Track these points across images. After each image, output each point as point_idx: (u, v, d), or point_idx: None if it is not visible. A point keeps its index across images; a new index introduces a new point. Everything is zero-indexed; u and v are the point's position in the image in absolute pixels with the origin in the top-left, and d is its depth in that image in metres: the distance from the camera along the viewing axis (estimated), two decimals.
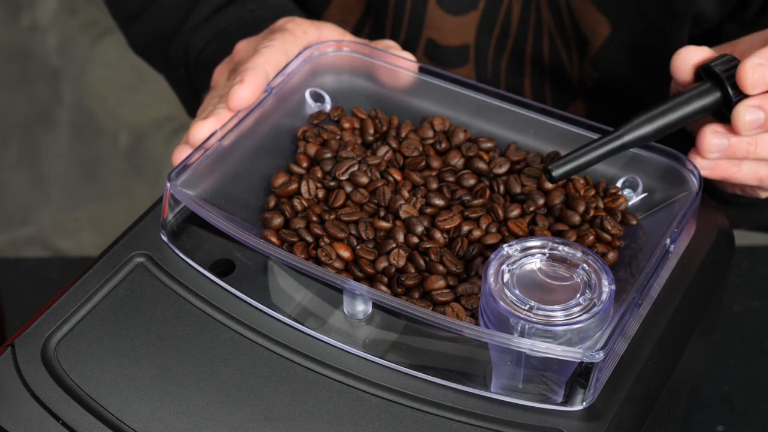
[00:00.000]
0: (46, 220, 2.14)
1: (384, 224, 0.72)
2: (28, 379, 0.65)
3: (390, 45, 0.83)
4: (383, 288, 0.69)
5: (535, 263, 0.67)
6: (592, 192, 0.75)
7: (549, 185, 0.75)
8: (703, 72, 0.76)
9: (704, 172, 0.75)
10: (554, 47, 0.95)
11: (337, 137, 0.78)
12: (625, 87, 0.96)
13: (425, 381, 0.65)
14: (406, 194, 0.74)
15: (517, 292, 0.65)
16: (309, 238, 0.71)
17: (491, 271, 0.66)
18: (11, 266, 1.23)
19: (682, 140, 0.80)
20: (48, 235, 2.12)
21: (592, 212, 0.74)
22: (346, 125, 0.79)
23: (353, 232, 0.72)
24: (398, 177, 0.75)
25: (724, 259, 0.76)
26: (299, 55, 0.81)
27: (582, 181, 0.75)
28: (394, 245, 0.71)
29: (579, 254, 0.67)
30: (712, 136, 0.75)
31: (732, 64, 0.75)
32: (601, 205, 0.74)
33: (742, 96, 0.74)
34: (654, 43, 0.93)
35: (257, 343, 0.67)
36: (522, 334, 0.64)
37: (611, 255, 0.71)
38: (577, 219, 0.73)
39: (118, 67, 2.36)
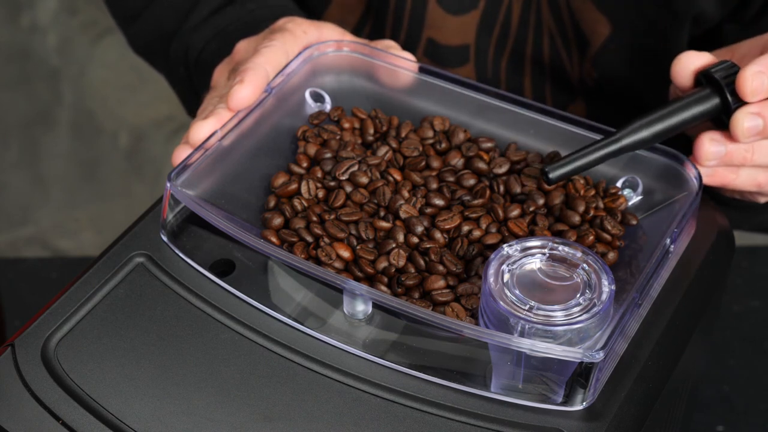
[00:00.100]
0: (46, 220, 2.14)
1: (384, 224, 0.72)
2: (28, 379, 0.65)
3: (390, 45, 0.83)
4: (383, 288, 0.69)
5: (535, 263, 0.67)
6: (592, 192, 0.75)
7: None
8: (703, 78, 0.76)
9: (702, 180, 0.75)
10: (554, 47, 0.95)
11: (337, 137, 0.78)
12: (625, 87, 0.96)
13: (425, 381, 0.65)
14: (406, 194, 0.74)
15: (517, 292, 0.65)
16: (309, 238, 0.71)
17: (491, 271, 0.66)
18: (11, 266, 1.23)
19: (682, 141, 0.80)
20: (48, 235, 2.12)
21: (592, 212, 0.74)
22: (346, 125, 0.79)
23: (353, 232, 0.72)
24: (398, 177, 0.75)
25: (724, 259, 0.76)
26: (299, 55, 0.81)
27: (582, 181, 0.75)
28: (394, 245, 0.71)
29: (579, 254, 0.67)
30: (709, 144, 0.75)
31: (732, 71, 0.75)
32: (601, 205, 0.74)
33: (742, 103, 0.74)
34: (654, 43, 0.93)
35: (257, 343, 0.67)
36: (522, 334, 0.64)
37: (611, 255, 0.71)
38: (577, 219, 0.73)
39: (118, 67, 2.36)
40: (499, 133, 0.79)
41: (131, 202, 2.17)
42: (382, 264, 0.70)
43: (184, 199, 0.71)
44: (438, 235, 0.72)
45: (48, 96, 2.33)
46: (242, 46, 0.85)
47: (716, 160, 0.75)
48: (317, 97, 0.81)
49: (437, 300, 0.68)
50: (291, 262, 0.68)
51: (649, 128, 0.74)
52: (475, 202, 0.74)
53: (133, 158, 2.25)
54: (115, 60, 2.37)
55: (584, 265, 0.67)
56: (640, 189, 0.75)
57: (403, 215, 0.73)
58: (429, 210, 0.74)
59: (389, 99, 0.82)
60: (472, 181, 0.76)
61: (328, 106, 0.81)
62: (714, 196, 0.82)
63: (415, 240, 0.71)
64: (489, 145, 0.78)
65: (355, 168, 0.75)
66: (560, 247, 0.68)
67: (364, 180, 0.74)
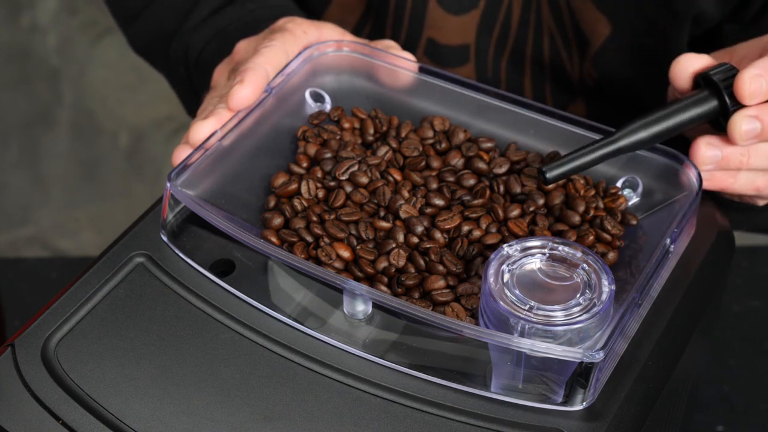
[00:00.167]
0: (46, 220, 2.14)
1: (384, 224, 0.72)
2: (28, 379, 0.65)
3: (390, 45, 0.83)
4: (383, 288, 0.69)
5: (535, 263, 0.67)
6: (592, 192, 0.75)
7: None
8: (702, 80, 0.76)
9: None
10: (554, 47, 0.95)
11: (337, 137, 0.78)
12: (625, 87, 0.96)
13: (425, 381, 0.65)
14: (406, 194, 0.74)
15: (517, 292, 0.65)
16: (309, 238, 0.71)
17: (491, 271, 0.66)
18: (11, 266, 1.23)
19: (682, 141, 0.80)
20: (48, 235, 2.12)
21: (592, 212, 0.74)
22: (346, 125, 0.79)
23: (353, 232, 0.72)
24: (398, 177, 0.75)
25: (724, 259, 0.76)
26: (299, 55, 0.81)
27: (582, 181, 0.75)
28: (394, 245, 0.71)
29: (579, 254, 0.67)
30: (705, 148, 0.75)
31: (731, 74, 0.75)
32: (601, 205, 0.74)
33: (740, 106, 0.74)
34: (654, 43, 0.93)
35: (257, 343, 0.67)
36: (522, 334, 0.64)
37: (611, 255, 0.71)
38: (577, 219, 0.73)
39: (118, 67, 2.36)
40: (499, 133, 0.79)
41: (131, 202, 2.17)
42: (382, 264, 0.70)
43: (184, 199, 0.71)
44: (438, 235, 0.72)
45: (48, 96, 2.33)
46: (242, 46, 0.85)
47: (713, 164, 0.76)
48: (317, 97, 0.81)
49: (437, 300, 0.68)
50: (291, 262, 0.68)
51: (648, 129, 0.74)
52: (475, 202, 0.74)
53: (133, 158, 2.25)
54: (115, 60, 2.37)
55: (584, 265, 0.67)
56: (640, 189, 0.75)
57: (403, 215, 0.73)
58: (429, 210, 0.74)
59: (389, 99, 0.82)
60: (472, 181, 0.76)
61: (328, 106, 0.81)
62: (713, 198, 0.82)
63: (415, 240, 0.71)
64: (489, 145, 0.78)
65: (355, 168, 0.75)
66: (560, 247, 0.68)
67: (364, 180, 0.74)
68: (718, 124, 0.76)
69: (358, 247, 0.71)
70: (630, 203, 0.75)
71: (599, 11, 0.91)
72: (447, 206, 0.74)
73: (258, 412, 0.64)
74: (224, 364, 0.66)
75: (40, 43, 2.41)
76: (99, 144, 2.26)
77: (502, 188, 0.75)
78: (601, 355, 0.64)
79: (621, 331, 0.66)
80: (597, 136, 0.76)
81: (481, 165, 0.76)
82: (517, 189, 0.75)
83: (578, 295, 0.66)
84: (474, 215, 0.73)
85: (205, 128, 0.75)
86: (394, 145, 0.78)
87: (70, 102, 2.32)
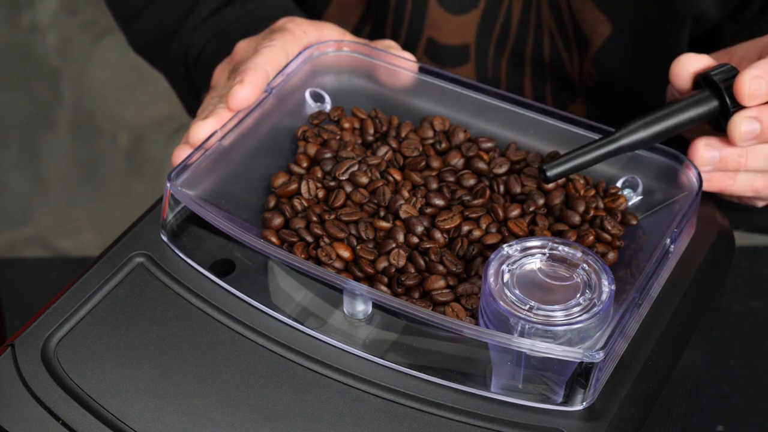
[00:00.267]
0: (46, 220, 2.14)
1: (384, 224, 0.72)
2: (28, 379, 0.65)
3: (390, 45, 0.83)
4: (383, 288, 0.69)
5: (535, 263, 0.67)
6: (592, 192, 0.75)
7: (549, 185, 0.75)
8: (702, 80, 0.76)
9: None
10: (555, 47, 0.95)
11: (337, 137, 0.78)
12: (625, 87, 0.96)
13: (425, 381, 0.65)
14: (406, 194, 0.74)
15: (517, 292, 0.65)
16: (309, 238, 0.71)
17: (491, 271, 0.66)
18: (11, 266, 1.23)
19: (681, 141, 0.80)
20: (48, 235, 2.12)
21: (592, 212, 0.74)
22: (346, 125, 0.79)
23: (353, 232, 0.72)
24: (398, 177, 0.75)
25: (724, 259, 0.76)
26: (299, 55, 0.81)
27: (582, 181, 0.75)
28: (394, 245, 0.71)
29: (579, 254, 0.67)
30: (703, 150, 0.75)
31: (731, 74, 0.75)
32: (601, 205, 0.74)
33: (740, 106, 0.74)
34: (654, 43, 0.93)
35: (257, 343, 0.67)
36: (522, 334, 0.64)
37: (611, 255, 0.71)
38: (577, 219, 0.73)
39: (118, 67, 2.36)
40: (499, 133, 0.79)
41: (131, 202, 2.17)
42: (382, 264, 0.70)
43: (184, 199, 0.71)
44: (438, 235, 0.72)
45: (48, 96, 2.33)
46: (242, 46, 0.85)
47: (711, 166, 0.76)
48: (317, 97, 0.81)
49: (437, 300, 0.68)
50: (291, 262, 0.68)
51: (647, 129, 0.74)
52: (475, 202, 0.74)
53: (133, 158, 2.25)
54: (115, 60, 2.37)
55: (584, 265, 0.67)
56: (640, 189, 0.75)
57: (403, 215, 0.73)
58: (429, 210, 0.74)
59: (389, 99, 0.82)
60: (472, 181, 0.76)
61: (328, 106, 0.81)
62: (713, 198, 0.82)
63: (415, 240, 0.71)
64: (489, 145, 0.78)
65: (355, 168, 0.75)
66: (560, 247, 0.68)
67: (364, 180, 0.74)
68: (718, 125, 0.76)
69: (358, 247, 0.71)
70: (630, 203, 0.75)
71: (599, 11, 0.92)
72: (447, 206, 0.74)
73: (258, 412, 0.64)
74: (224, 364, 0.66)
75: (40, 43, 2.41)
76: (99, 144, 2.26)
77: (502, 188, 0.75)
78: (601, 355, 0.63)
79: (621, 331, 0.66)
80: (597, 136, 0.76)
81: (481, 165, 0.76)
82: (517, 189, 0.75)
83: (578, 295, 0.65)
84: (474, 215, 0.73)
85: (205, 128, 0.75)
86: (394, 145, 0.78)
87: (70, 102, 2.32)
